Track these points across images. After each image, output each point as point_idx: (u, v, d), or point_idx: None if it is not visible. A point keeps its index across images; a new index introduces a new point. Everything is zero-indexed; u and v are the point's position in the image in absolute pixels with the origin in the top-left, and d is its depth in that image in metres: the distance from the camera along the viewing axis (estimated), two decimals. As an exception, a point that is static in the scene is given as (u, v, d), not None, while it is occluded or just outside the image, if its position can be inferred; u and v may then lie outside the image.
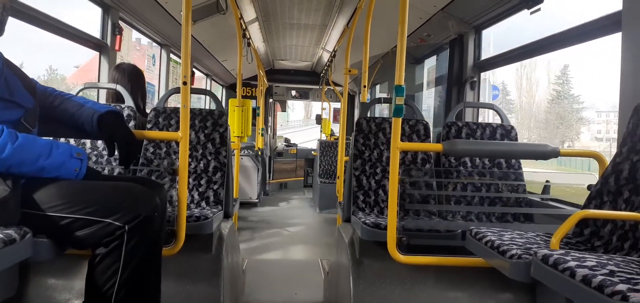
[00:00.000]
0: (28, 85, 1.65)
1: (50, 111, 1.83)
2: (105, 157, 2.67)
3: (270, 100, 10.71)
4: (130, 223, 1.53)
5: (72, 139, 2.54)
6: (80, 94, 2.76)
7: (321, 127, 9.92)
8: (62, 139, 2.37)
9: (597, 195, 1.86)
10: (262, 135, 8.00)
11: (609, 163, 1.91)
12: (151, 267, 1.66)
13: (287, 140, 11.79)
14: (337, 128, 10.69)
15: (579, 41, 2.69)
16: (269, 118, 10.60)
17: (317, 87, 10.21)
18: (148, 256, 1.61)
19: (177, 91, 3.00)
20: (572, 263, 1.28)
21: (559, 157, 2.01)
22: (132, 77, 3.00)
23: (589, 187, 1.95)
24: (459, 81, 3.95)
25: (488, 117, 4.26)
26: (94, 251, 1.56)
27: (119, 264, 1.54)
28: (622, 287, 1.08)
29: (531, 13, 3.00)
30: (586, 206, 1.89)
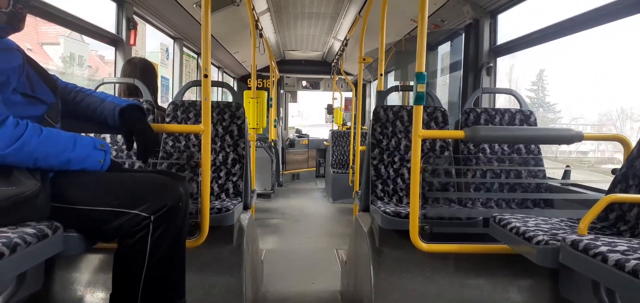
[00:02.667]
0: (49, 81, 1.66)
1: (72, 106, 1.85)
2: (125, 152, 2.69)
3: (282, 91, 10.70)
4: (156, 213, 1.55)
5: (93, 134, 2.56)
6: (100, 89, 2.78)
7: (333, 117, 9.90)
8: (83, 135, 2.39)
9: (623, 179, 1.84)
10: (275, 126, 8.01)
11: (634, 146, 1.88)
12: (176, 256, 1.67)
13: (298, 131, 11.80)
14: (348, 118, 10.67)
15: (602, 22, 2.63)
16: (281, 109, 10.61)
17: (328, 77, 10.18)
18: (173, 246, 1.62)
19: (195, 84, 3.01)
20: (604, 248, 1.26)
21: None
22: (144, 71, 3.01)
23: (614, 171, 1.93)
24: (475, 66, 3.91)
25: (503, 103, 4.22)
26: (120, 243, 1.58)
27: (145, 254, 1.55)
28: (657, 271, 1.06)
29: None
30: (611, 190, 1.87)
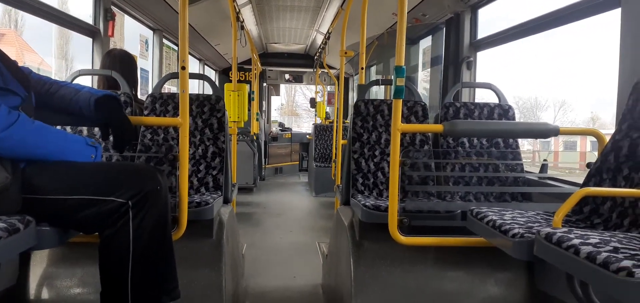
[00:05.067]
0: (20, 75, 1.62)
1: (46, 98, 1.81)
2: (103, 145, 2.65)
3: (264, 84, 10.65)
4: (134, 198, 1.51)
5: (69, 128, 2.52)
6: (76, 81, 2.73)
7: (316, 110, 9.90)
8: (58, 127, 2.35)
9: (597, 173, 1.87)
10: (258, 120, 7.97)
11: (607, 140, 1.92)
12: (164, 245, 1.63)
13: (281, 124, 11.77)
14: (331, 111, 10.68)
15: (578, 18, 2.67)
16: (263, 102, 10.55)
17: (311, 70, 10.17)
18: (158, 233, 1.59)
19: (173, 76, 2.97)
20: (576, 241, 1.29)
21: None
22: (124, 63, 2.96)
23: (588, 165, 1.96)
24: (456, 61, 3.94)
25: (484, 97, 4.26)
26: (102, 235, 1.54)
27: (129, 242, 1.52)
28: (627, 263, 1.08)
29: None
30: (586, 184, 1.90)
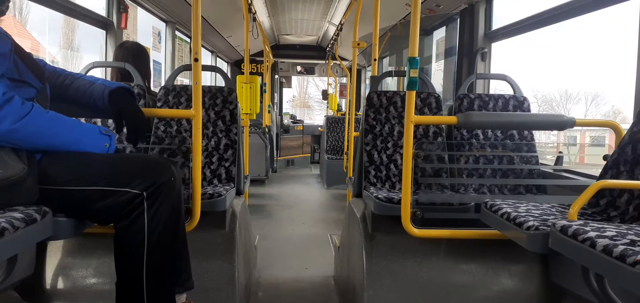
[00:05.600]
0: (35, 68, 1.64)
1: (61, 91, 1.83)
2: (116, 137, 2.67)
3: (276, 76, 10.65)
4: (148, 189, 1.52)
5: (84, 120, 2.54)
6: (89, 73, 2.75)
7: (328, 102, 9.88)
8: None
9: (614, 165, 1.84)
10: (269, 112, 7.98)
11: (625, 132, 1.88)
12: (177, 237, 1.65)
13: (293, 116, 11.77)
14: (343, 103, 10.65)
15: (597, 8, 2.62)
16: (275, 94, 10.56)
17: (323, 62, 10.14)
18: (172, 224, 1.60)
19: (186, 68, 2.98)
20: (592, 234, 1.27)
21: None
22: (136, 55, 2.98)
23: (605, 157, 1.93)
24: (470, 52, 3.90)
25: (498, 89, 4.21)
26: (116, 226, 1.56)
27: (144, 233, 1.53)
28: (644, 256, 1.07)
29: None
30: (602, 176, 1.87)
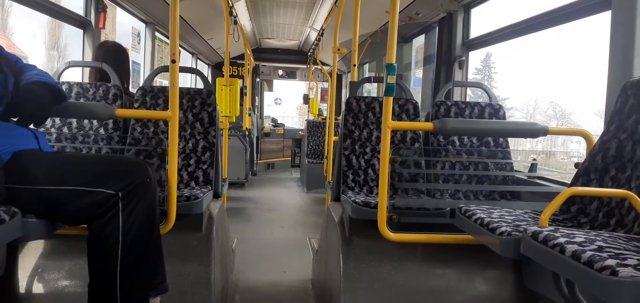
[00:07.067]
0: None
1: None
2: (92, 138, 2.63)
3: (257, 79, 10.62)
4: (123, 190, 1.50)
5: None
6: (65, 72, 2.71)
7: (309, 107, 9.89)
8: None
9: (584, 173, 1.89)
10: (250, 115, 7.95)
11: (596, 141, 1.93)
12: (152, 238, 1.63)
13: (274, 120, 11.76)
14: (324, 108, 10.68)
15: (570, 19, 2.69)
16: (256, 98, 10.53)
17: (305, 66, 10.15)
18: (147, 225, 1.58)
19: (164, 69, 2.95)
20: (562, 239, 1.30)
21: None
22: (116, 55, 2.94)
23: (577, 165, 1.98)
24: (448, 60, 3.96)
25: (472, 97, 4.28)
26: (91, 226, 1.53)
27: (118, 233, 1.50)
28: (611, 262, 1.10)
29: None
30: (573, 183, 1.92)
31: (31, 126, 1.68)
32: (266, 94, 12.39)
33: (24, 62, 1.81)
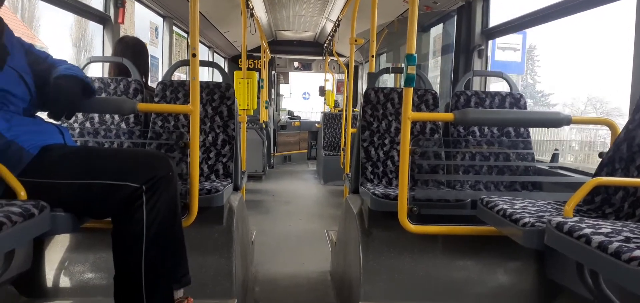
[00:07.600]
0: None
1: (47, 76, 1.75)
2: (114, 132, 2.67)
3: (273, 72, 10.64)
4: (147, 183, 1.52)
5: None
6: (87, 67, 2.75)
7: (325, 99, 9.88)
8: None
9: (609, 162, 1.85)
10: (267, 108, 7.98)
11: (620, 130, 1.90)
12: (175, 231, 1.65)
13: (290, 113, 11.78)
14: (340, 100, 10.65)
15: (592, 6, 2.64)
16: (273, 90, 10.55)
17: (320, 58, 10.13)
18: (170, 217, 1.60)
19: (184, 63, 2.98)
20: (588, 230, 1.28)
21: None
22: (136, 50, 2.97)
23: (601, 154, 1.94)
24: (467, 49, 3.91)
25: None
26: (114, 220, 1.56)
27: (142, 226, 1.53)
28: (638, 252, 1.08)
29: None
30: (598, 173, 1.89)
31: (56, 121, 1.71)
32: (291, 87, 12.38)
33: (54, 58, 1.85)
